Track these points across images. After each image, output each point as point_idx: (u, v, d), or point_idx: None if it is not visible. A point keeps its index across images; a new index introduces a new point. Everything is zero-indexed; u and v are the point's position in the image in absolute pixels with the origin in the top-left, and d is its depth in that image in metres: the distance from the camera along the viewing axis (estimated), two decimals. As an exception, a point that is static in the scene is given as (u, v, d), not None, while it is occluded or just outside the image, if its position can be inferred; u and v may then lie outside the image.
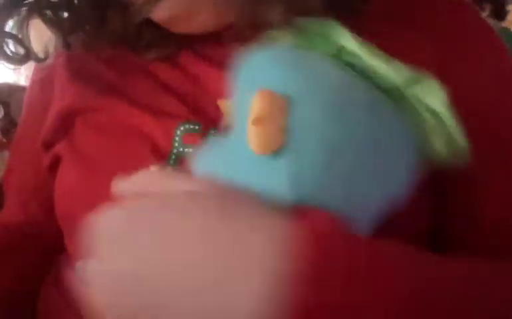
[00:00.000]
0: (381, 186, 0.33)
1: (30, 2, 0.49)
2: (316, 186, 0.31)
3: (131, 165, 0.37)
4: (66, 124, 0.51)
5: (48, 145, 0.53)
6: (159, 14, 0.44)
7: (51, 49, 0.52)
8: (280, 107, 0.32)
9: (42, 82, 0.57)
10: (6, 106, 0.73)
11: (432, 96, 0.33)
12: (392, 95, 0.34)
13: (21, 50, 0.50)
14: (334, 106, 0.32)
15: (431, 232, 0.43)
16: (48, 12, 0.50)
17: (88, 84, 0.51)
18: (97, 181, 0.46)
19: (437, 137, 0.34)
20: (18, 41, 0.49)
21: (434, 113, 0.33)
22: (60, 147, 0.51)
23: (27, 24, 0.50)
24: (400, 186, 0.34)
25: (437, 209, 0.43)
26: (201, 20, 0.45)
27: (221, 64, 0.43)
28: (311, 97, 0.33)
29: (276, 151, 0.31)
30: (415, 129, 0.34)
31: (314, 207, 0.31)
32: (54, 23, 0.50)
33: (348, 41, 0.33)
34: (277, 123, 0.32)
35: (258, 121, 0.32)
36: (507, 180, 0.43)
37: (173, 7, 0.43)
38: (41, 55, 0.52)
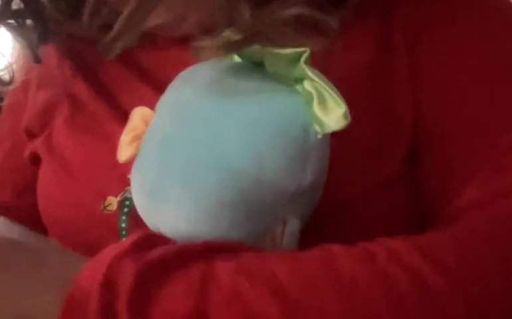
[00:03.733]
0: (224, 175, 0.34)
1: None
2: (153, 176, 0.36)
3: (108, 170, 0.40)
4: (48, 113, 0.51)
5: (30, 134, 0.53)
6: (150, 22, 0.42)
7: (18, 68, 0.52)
8: (144, 121, 0.38)
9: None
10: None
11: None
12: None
13: None
14: (178, 113, 0.37)
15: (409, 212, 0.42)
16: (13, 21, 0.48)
17: (81, 74, 0.50)
18: (74, 185, 0.47)
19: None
20: None
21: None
22: (38, 144, 0.51)
23: None
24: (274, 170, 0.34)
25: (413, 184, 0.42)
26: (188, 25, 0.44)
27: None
28: (163, 107, 0.38)
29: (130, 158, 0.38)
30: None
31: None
32: (22, 34, 0.49)
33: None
34: (132, 135, 0.38)
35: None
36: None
37: (164, 13, 0.42)
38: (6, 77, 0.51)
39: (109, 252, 0.31)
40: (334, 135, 0.39)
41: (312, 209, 0.38)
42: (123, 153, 0.38)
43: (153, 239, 0.33)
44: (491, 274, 0.31)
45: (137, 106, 0.40)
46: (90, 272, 0.30)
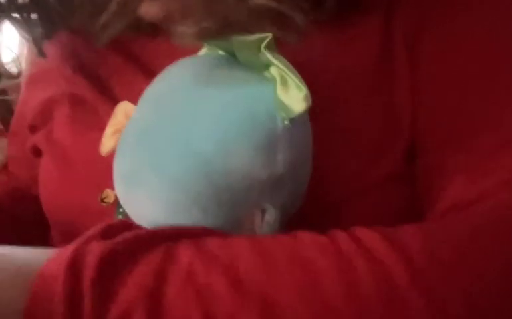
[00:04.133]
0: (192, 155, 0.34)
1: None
2: (129, 166, 0.36)
3: (107, 164, 0.39)
4: (49, 110, 0.52)
5: (32, 129, 0.54)
6: (148, 10, 0.41)
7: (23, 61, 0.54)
8: (126, 115, 0.38)
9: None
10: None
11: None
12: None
13: None
14: (156, 104, 0.37)
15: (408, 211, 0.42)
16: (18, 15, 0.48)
17: (81, 71, 0.50)
18: (74, 178, 0.47)
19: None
20: None
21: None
22: (39, 138, 0.52)
23: None
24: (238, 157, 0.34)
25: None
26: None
27: None
28: (143, 100, 0.38)
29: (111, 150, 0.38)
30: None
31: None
32: (26, 28, 0.48)
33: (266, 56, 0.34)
34: (114, 128, 0.38)
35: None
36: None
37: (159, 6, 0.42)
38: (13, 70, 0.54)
39: (77, 240, 0.31)
40: (334, 133, 0.39)
41: (298, 201, 0.38)
42: (105, 146, 0.39)
43: (124, 226, 0.33)
44: (489, 272, 0.31)
45: (135, 99, 0.40)
46: (56, 258, 0.30)
